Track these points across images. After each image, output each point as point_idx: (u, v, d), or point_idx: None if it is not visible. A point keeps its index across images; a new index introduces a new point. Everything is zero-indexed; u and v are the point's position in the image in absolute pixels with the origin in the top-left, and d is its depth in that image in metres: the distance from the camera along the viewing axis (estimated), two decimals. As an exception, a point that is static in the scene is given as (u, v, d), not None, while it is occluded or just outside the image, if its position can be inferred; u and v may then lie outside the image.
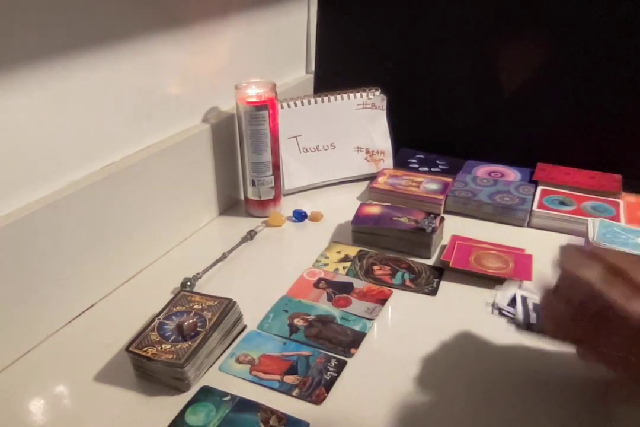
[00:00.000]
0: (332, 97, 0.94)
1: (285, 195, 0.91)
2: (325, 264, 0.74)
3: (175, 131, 0.77)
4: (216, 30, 0.82)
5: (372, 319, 0.64)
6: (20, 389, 0.55)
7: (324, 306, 0.66)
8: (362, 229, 0.79)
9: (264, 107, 0.79)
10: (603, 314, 0.43)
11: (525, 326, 0.61)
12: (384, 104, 0.97)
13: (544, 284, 0.48)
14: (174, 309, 0.60)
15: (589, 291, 0.43)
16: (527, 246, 0.76)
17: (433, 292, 0.69)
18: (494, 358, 0.58)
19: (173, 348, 0.55)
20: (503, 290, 0.67)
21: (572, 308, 0.45)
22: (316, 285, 0.70)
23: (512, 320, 0.63)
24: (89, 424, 0.51)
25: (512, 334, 0.61)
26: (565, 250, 0.48)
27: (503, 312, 0.64)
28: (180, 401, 0.53)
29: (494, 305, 0.65)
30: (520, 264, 0.71)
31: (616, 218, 0.80)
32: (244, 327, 0.63)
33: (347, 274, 0.73)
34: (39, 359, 0.59)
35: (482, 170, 0.96)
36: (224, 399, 0.53)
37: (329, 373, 0.56)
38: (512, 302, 0.65)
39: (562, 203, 0.84)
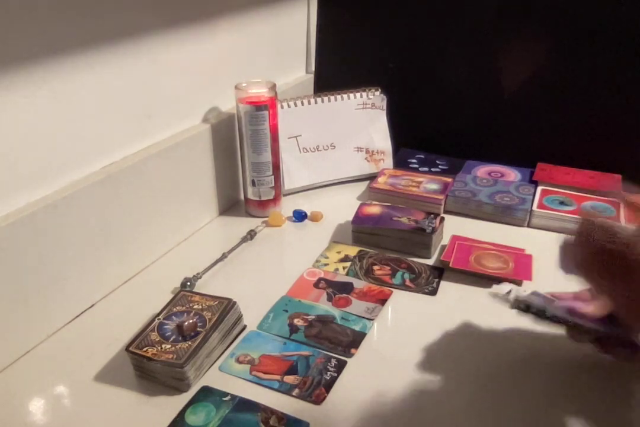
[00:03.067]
0: (332, 97, 0.94)
1: (285, 195, 0.91)
2: (325, 264, 0.74)
3: (175, 131, 0.77)
4: (216, 30, 0.82)
5: (372, 319, 0.64)
6: (20, 389, 0.55)
7: (324, 306, 0.66)
8: (362, 229, 0.79)
9: (264, 107, 0.79)
10: (622, 257, 0.43)
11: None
12: (384, 104, 0.97)
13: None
14: (174, 309, 0.60)
15: (610, 232, 0.44)
16: (527, 246, 0.76)
17: (433, 292, 0.69)
18: (494, 358, 0.58)
19: (173, 348, 0.55)
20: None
21: (595, 252, 0.45)
22: (316, 285, 0.70)
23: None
24: (89, 424, 0.51)
25: (512, 334, 0.61)
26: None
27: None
28: (180, 401, 0.53)
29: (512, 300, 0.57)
30: (520, 264, 0.71)
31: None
32: (244, 327, 0.63)
33: (347, 274, 0.73)
34: (39, 359, 0.59)
35: (482, 170, 0.96)
36: (224, 399, 0.53)
37: (329, 373, 0.56)
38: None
39: (562, 203, 0.84)
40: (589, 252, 0.46)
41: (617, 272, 0.44)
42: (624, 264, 0.44)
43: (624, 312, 0.47)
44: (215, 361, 0.58)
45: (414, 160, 1.01)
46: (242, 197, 0.90)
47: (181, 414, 0.52)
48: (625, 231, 0.44)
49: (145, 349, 0.54)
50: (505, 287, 0.58)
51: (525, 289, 0.58)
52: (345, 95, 0.95)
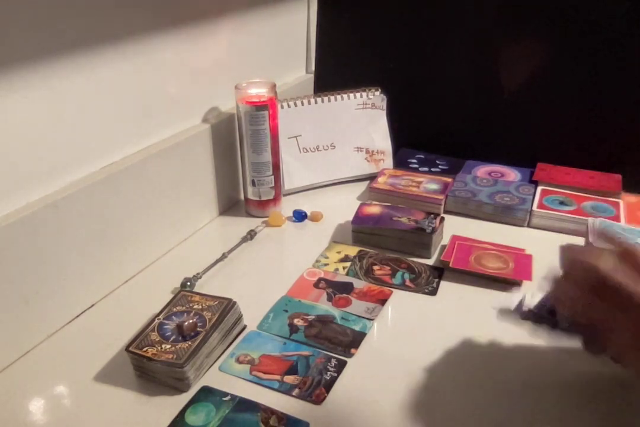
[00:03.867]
0: (332, 97, 0.94)
1: (285, 195, 0.91)
2: (325, 264, 0.74)
3: (175, 131, 0.77)
4: (216, 30, 0.82)
5: (372, 319, 0.64)
6: (20, 389, 0.55)
7: (324, 306, 0.66)
8: (362, 229, 0.79)
9: (264, 107, 0.79)
10: (612, 297, 0.44)
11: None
12: (384, 104, 0.97)
13: (553, 272, 0.50)
14: (174, 309, 0.60)
15: (598, 276, 0.45)
16: (527, 246, 0.76)
17: (433, 292, 0.69)
18: (493, 358, 0.58)
19: (173, 348, 0.55)
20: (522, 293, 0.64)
21: (583, 293, 0.47)
22: (316, 285, 0.70)
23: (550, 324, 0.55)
24: (89, 424, 0.51)
25: (512, 334, 0.61)
26: (569, 246, 0.51)
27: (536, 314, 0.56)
28: (180, 401, 0.53)
29: (519, 309, 0.59)
30: (520, 264, 0.71)
31: (616, 218, 0.80)
32: (244, 327, 0.63)
33: (347, 274, 0.73)
34: (39, 359, 0.59)
35: (482, 170, 0.96)
36: (224, 399, 0.53)
37: (329, 373, 0.56)
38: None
39: (562, 203, 0.84)
40: (577, 296, 0.47)
41: (606, 308, 0.45)
42: (610, 299, 0.45)
43: (624, 352, 0.47)
44: (215, 361, 0.58)
45: (414, 160, 1.01)
46: (242, 197, 0.90)
47: (181, 414, 0.52)
48: (605, 262, 0.45)
49: (145, 349, 0.54)
50: (513, 298, 0.59)
51: (532, 294, 0.58)
52: (345, 95, 0.95)
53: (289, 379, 0.56)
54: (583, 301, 0.47)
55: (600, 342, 0.49)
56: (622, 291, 0.44)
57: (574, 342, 0.55)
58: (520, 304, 0.59)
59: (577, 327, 0.52)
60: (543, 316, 0.55)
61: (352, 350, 0.59)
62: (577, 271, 0.48)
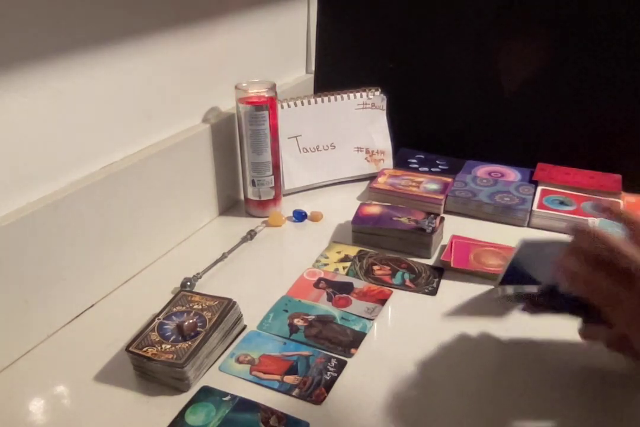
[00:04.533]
0: (332, 97, 0.94)
1: (285, 195, 0.91)
2: (325, 264, 0.74)
3: (175, 131, 0.77)
4: (216, 30, 0.82)
5: (372, 319, 0.64)
6: (20, 389, 0.55)
7: (324, 306, 0.66)
8: (362, 229, 0.79)
9: (264, 107, 0.79)
10: (620, 270, 0.43)
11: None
12: (384, 104, 0.97)
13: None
14: (174, 309, 0.60)
15: (609, 247, 0.44)
16: (527, 246, 0.76)
17: (433, 292, 0.69)
18: (493, 358, 0.58)
19: (173, 348, 0.55)
20: None
21: (589, 265, 0.45)
22: (316, 285, 0.70)
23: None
24: (89, 424, 0.51)
25: (513, 334, 0.61)
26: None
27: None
28: (180, 401, 0.53)
29: None
30: (520, 264, 0.71)
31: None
32: (244, 327, 0.63)
33: (347, 274, 0.73)
34: (39, 359, 0.59)
35: (482, 170, 0.96)
36: (224, 399, 0.53)
37: (329, 373, 0.56)
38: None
39: (562, 203, 0.84)
40: (583, 265, 0.46)
41: (612, 281, 0.44)
42: (617, 272, 0.44)
43: (628, 329, 0.46)
44: (215, 361, 0.58)
45: (414, 160, 1.01)
46: (242, 197, 0.90)
47: (181, 414, 0.52)
48: (614, 238, 0.44)
49: (145, 349, 0.54)
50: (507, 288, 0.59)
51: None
52: (345, 95, 0.95)
53: (289, 379, 0.56)
54: (588, 274, 0.45)
55: (601, 320, 0.47)
56: (632, 263, 0.42)
57: (575, 338, 0.55)
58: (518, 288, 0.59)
59: (579, 303, 0.51)
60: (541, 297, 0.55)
61: (352, 350, 0.59)
62: (585, 241, 0.46)
